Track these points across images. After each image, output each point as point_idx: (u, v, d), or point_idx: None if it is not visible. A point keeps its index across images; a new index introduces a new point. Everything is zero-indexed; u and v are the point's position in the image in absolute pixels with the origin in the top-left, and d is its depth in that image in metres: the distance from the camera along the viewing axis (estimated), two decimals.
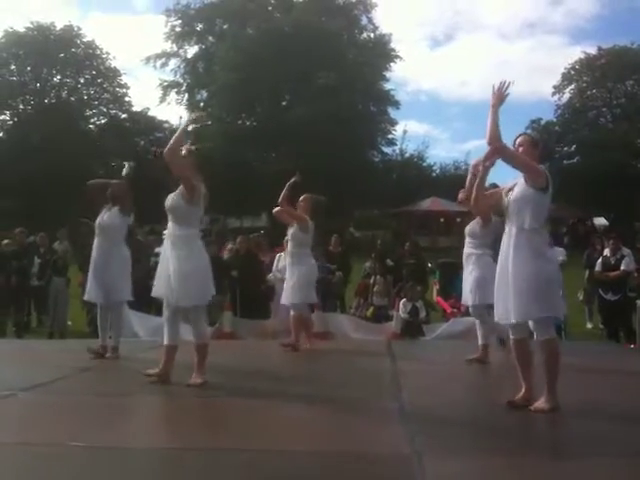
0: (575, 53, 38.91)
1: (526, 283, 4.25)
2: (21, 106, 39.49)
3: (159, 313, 10.33)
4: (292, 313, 7.46)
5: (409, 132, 48.95)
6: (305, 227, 7.29)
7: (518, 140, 4.57)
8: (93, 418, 4.36)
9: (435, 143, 72.35)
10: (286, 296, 7.43)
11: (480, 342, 6.44)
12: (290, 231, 7.41)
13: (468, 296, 6.53)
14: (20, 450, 3.62)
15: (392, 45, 38.84)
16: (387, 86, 38.74)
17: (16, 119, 38.97)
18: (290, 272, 7.41)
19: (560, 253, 9.89)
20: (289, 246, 7.48)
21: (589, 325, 11.84)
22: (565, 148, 40.27)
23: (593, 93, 40.60)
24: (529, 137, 4.64)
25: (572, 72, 40.41)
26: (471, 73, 78.33)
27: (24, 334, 11.13)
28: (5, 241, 11.81)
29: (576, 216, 36.36)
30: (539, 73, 71.54)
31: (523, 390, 4.46)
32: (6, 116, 39.57)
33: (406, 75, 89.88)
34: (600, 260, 10.25)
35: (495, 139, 4.30)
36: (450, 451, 3.60)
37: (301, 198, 7.49)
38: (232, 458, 3.45)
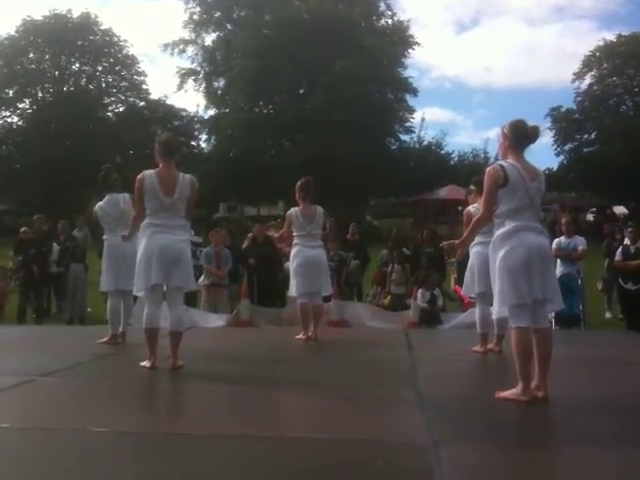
0: (608, 38, 38.24)
1: None
2: (40, 94, 39.69)
3: None
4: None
5: (433, 119, 48.75)
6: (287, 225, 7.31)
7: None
8: (113, 403, 4.40)
9: (458, 130, 71.57)
10: None
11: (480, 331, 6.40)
12: None
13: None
14: (41, 435, 3.66)
15: (418, 30, 39.05)
16: (407, 73, 38.60)
17: (35, 107, 39.20)
18: None
19: (581, 242, 9.81)
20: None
21: (608, 315, 11.74)
22: (585, 136, 39.82)
23: (613, 80, 40.01)
24: (500, 129, 4.59)
25: (592, 59, 39.86)
26: (496, 59, 77.88)
27: (44, 320, 11.25)
28: (23, 229, 11.93)
29: (596, 204, 36.03)
30: (567, 59, 70.56)
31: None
32: (25, 104, 39.85)
33: (430, 61, 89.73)
34: (620, 249, 10.15)
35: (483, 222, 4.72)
36: (467, 440, 3.59)
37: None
38: (250, 445, 3.46)
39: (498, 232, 4.41)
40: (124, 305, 6.75)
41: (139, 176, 5.36)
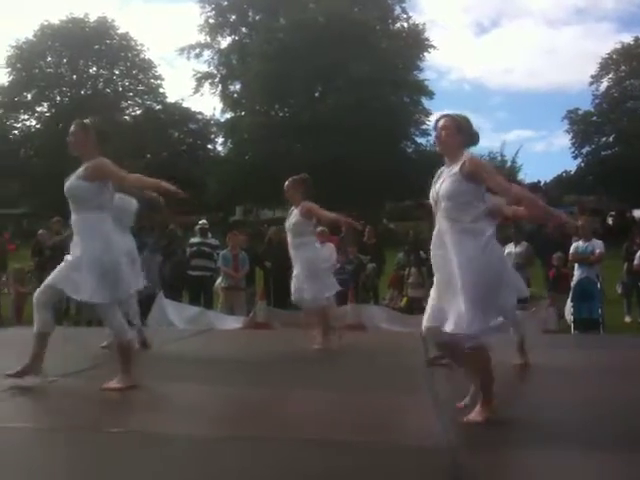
0: (625, 41, 38.00)
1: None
2: (58, 98, 40.10)
3: (192, 302, 10.53)
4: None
5: None
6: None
7: (440, 123, 3.91)
8: (132, 404, 4.44)
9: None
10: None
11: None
12: (292, 220, 6.63)
13: None
14: (61, 435, 3.69)
15: (437, 32, 39.32)
16: (424, 75, 38.62)
17: (53, 110, 39.58)
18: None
19: (598, 245, 9.76)
20: (289, 238, 6.67)
21: (627, 319, 11.66)
22: (603, 139, 39.55)
23: (631, 82, 39.73)
24: (452, 120, 3.90)
25: (609, 62, 39.59)
26: (516, 60, 77.42)
27: (63, 321, 11.32)
28: (40, 231, 12.04)
29: (615, 207, 35.74)
30: (587, 61, 69.79)
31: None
32: (43, 107, 40.29)
33: (450, 63, 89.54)
34: (638, 253, 10.08)
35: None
36: (484, 444, 3.58)
37: (290, 185, 6.64)
38: (265, 447, 3.47)
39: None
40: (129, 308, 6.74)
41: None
